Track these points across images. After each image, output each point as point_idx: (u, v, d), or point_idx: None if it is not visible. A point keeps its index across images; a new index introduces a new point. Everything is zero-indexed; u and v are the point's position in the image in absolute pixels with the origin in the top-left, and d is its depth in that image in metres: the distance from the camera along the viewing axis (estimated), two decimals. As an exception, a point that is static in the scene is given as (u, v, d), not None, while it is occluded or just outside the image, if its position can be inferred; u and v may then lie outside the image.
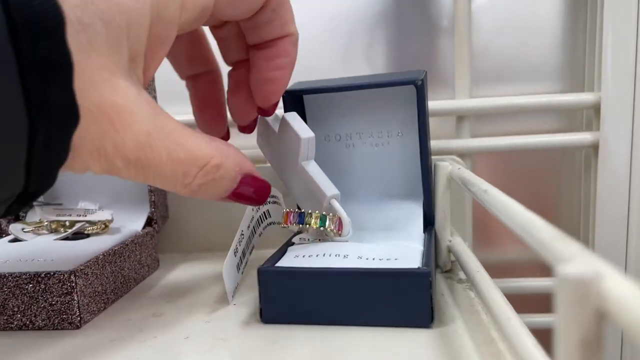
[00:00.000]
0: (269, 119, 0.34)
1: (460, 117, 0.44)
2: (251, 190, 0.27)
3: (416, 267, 0.28)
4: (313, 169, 0.33)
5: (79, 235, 0.37)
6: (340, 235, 0.32)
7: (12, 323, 0.30)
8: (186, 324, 0.29)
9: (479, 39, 0.46)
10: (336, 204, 0.32)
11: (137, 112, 0.21)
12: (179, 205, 0.45)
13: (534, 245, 0.18)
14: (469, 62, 0.43)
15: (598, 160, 0.42)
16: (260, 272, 0.28)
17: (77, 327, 0.30)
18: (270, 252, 0.32)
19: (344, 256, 0.29)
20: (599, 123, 0.42)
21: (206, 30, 0.32)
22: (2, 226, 0.40)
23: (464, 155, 0.43)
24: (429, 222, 0.36)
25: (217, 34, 0.31)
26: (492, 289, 0.26)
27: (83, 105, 0.19)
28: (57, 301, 0.29)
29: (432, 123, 0.47)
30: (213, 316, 0.30)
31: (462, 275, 0.35)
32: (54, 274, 0.29)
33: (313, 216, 0.32)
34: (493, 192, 0.25)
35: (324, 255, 0.30)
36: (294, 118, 0.32)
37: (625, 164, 0.42)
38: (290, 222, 0.32)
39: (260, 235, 0.36)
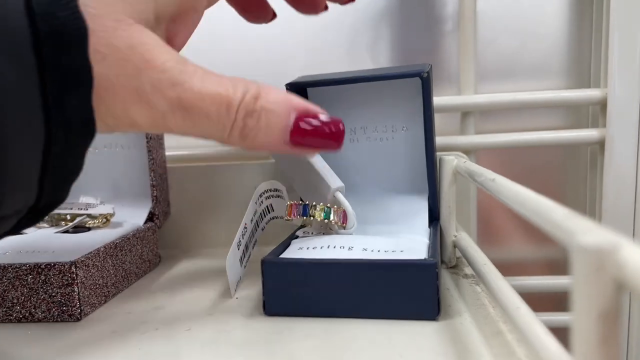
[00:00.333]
0: None
1: (465, 113, 0.43)
2: (319, 125, 0.24)
3: (422, 258, 0.27)
4: (318, 161, 0.33)
5: (80, 228, 0.36)
6: (344, 227, 0.32)
7: (11, 315, 0.29)
8: (188, 317, 0.29)
9: (484, 34, 0.45)
10: (341, 197, 0.32)
11: (167, 52, 0.21)
12: (180, 201, 0.44)
13: (546, 225, 0.17)
14: (474, 57, 0.43)
15: (604, 157, 0.42)
16: (264, 262, 0.28)
17: (78, 320, 0.29)
18: (273, 247, 0.31)
19: (349, 248, 0.29)
20: (605, 120, 0.41)
21: None
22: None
23: (468, 151, 0.43)
24: (434, 217, 0.35)
25: None
26: (499, 281, 0.26)
27: (113, 44, 0.19)
28: (57, 293, 0.29)
29: (437, 119, 0.47)
30: (215, 309, 0.30)
31: (467, 270, 0.35)
32: (55, 265, 0.29)
33: (317, 208, 0.31)
34: (501, 181, 0.25)
35: (328, 247, 0.29)
36: None
37: (632, 160, 0.41)
38: (294, 215, 0.31)
39: (263, 229, 0.35)
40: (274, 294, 0.28)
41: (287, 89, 0.35)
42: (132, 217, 0.39)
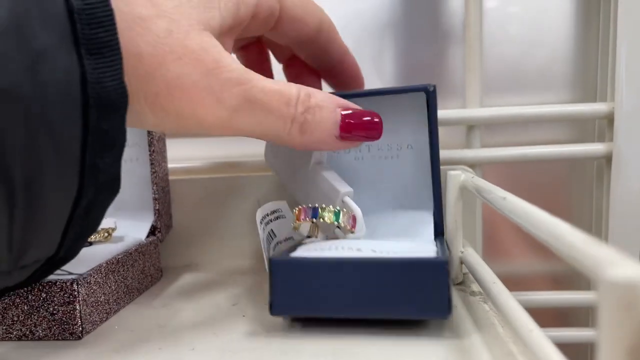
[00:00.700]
0: None
1: (471, 127, 0.43)
2: (362, 118, 0.28)
3: (433, 256, 0.27)
4: (326, 169, 0.33)
5: (81, 243, 0.36)
6: (353, 232, 0.31)
7: (11, 333, 0.29)
8: (192, 335, 0.28)
9: (490, 47, 0.45)
10: (350, 201, 0.32)
11: (229, 56, 0.24)
12: (182, 214, 0.44)
13: (564, 251, 0.17)
14: (479, 71, 0.42)
15: (611, 172, 0.41)
16: (272, 261, 0.27)
17: (79, 338, 0.29)
18: None
19: (357, 249, 0.28)
20: (612, 133, 0.41)
21: None
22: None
23: (474, 165, 0.43)
24: (439, 232, 0.35)
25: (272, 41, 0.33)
26: (510, 301, 0.25)
27: (187, 45, 0.22)
28: (58, 310, 0.28)
29: (442, 133, 0.46)
30: (220, 327, 0.29)
31: (474, 287, 0.34)
32: (56, 282, 0.28)
33: (327, 210, 0.30)
34: (512, 200, 0.25)
35: (337, 248, 0.29)
36: None
37: (639, 175, 0.41)
38: (304, 218, 0.31)
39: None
40: (282, 293, 0.27)
41: None
42: (134, 230, 0.38)
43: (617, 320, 0.12)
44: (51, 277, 0.28)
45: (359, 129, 0.28)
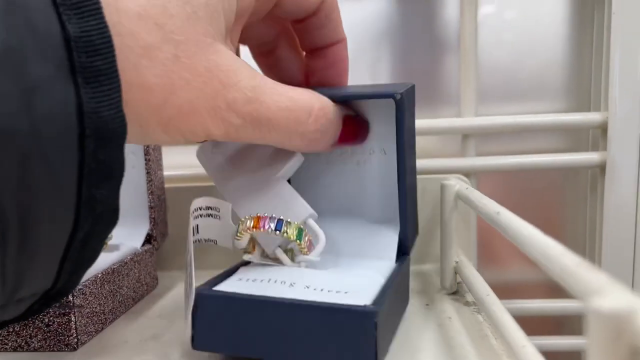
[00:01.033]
0: None
1: (466, 136, 0.43)
2: (353, 130, 0.29)
3: (362, 304, 0.24)
4: (284, 186, 0.30)
5: (76, 252, 0.36)
6: (307, 255, 0.29)
7: (6, 344, 0.29)
8: (187, 346, 0.28)
9: (485, 55, 0.45)
10: (314, 224, 0.29)
11: (240, 71, 0.23)
12: (178, 222, 0.44)
13: (555, 273, 0.17)
14: (474, 80, 0.43)
15: (605, 181, 0.42)
16: (198, 295, 0.25)
17: (74, 349, 0.29)
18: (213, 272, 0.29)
19: (290, 284, 0.26)
20: (606, 142, 0.41)
21: None
22: None
23: (469, 173, 0.43)
24: (404, 252, 0.32)
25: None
26: (503, 314, 0.25)
27: (196, 68, 0.22)
28: (53, 321, 0.28)
29: (438, 141, 0.47)
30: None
31: (468, 297, 0.34)
32: (51, 293, 0.28)
33: (292, 226, 0.28)
34: (506, 215, 0.25)
35: (269, 280, 0.27)
36: None
37: (633, 185, 0.41)
38: (263, 228, 0.28)
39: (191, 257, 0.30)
40: (204, 328, 0.25)
41: None
42: (130, 239, 0.38)
43: (605, 349, 0.12)
44: (46, 288, 0.28)
45: (352, 138, 0.29)
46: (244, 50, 0.32)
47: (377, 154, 0.33)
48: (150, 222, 0.39)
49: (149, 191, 0.38)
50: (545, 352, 0.21)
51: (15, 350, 0.29)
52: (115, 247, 0.37)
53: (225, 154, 0.31)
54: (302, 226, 0.28)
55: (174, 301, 0.36)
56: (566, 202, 0.47)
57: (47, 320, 0.28)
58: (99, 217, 0.20)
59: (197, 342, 0.25)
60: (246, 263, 0.30)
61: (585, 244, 0.46)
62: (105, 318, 0.32)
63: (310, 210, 0.29)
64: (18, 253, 0.17)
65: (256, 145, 0.30)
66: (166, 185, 0.42)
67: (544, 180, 0.47)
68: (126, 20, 0.20)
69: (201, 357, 0.27)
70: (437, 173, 0.42)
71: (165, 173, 0.43)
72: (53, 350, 0.29)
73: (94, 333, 0.30)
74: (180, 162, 0.47)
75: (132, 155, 0.41)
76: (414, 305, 0.33)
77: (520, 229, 0.22)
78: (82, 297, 0.29)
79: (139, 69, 0.20)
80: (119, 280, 0.34)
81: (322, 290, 0.26)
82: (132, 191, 0.41)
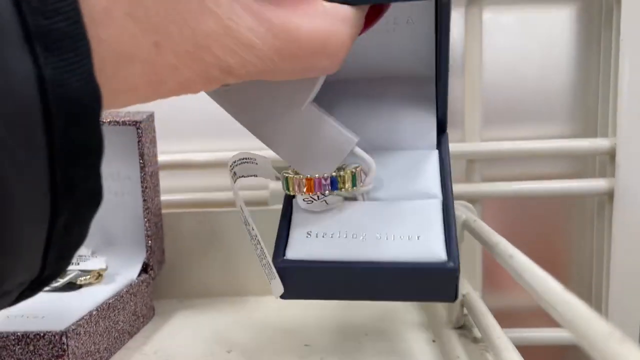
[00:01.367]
0: None
1: (471, 161, 0.42)
2: (374, 16, 0.25)
3: (441, 259, 0.25)
4: (323, 114, 0.26)
5: (71, 285, 0.34)
6: (362, 186, 0.28)
7: (-3, 387, 0.27)
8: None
9: (489, 79, 0.44)
10: (361, 152, 0.27)
11: (240, 17, 0.19)
12: (175, 248, 0.43)
13: (583, 342, 0.16)
14: (480, 104, 0.42)
15: (613, 208, 0.41)
16: (278, 269, 0.26)
17: (68, 393, 0.27)
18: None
19: (363, 238, 0.27)
20: (614, 169, 0.40)
21: None
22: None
23: (474, 200, 0.42)
24: (442, 129, 0.31)
25: None
26: (513, 355, 0.24)
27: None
28: (46, 365, 0.27)
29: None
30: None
31: (476, 332, 0.33)
32: (44, 335, 0.27)
33: (345, 177, 0.27)
34: (520, 259, 0.24)
35: (339, 235, 0.27)
36: None
37: (642, 212, 0.40)
38: (317, 191, 0.26)
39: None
40: (292, 287, 0.26)
41: None
42: (126, 268, 0.37)
43: None
44: (40, 328, 0.27)
45: (374, 21, 0.25)
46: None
47: (402, 24, 0.30)
48: (147, 251, 0.38)
49: (146, 219, 0.37)
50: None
51: (6, 393, 0.27)
52: (111, 279, 0.36)
53: (238, 91, 0.27)
54: (353, 169, 0.27)
55: (170, 335, 0.35)
56: (571, 229, 0.46)
57: (39, 362, 0.27)
58: (80, 201, 0.18)
59: (286, 296, 0.26)
60: (292, 197, 0.29)
61: (592, 272, 0.45)
62: (101, 356, 0.31)
63: (354, 139, 0.27)
64: None
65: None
66: (163, 211, 0.41)
67: (549, 205, 0.46)
68: None
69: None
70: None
71: (163, 198, 0.42)
72: (46, 394, 0.27)
73: (88, 374, 0.29)
74: (177, 187, 0.46)
75: (127, 180, 0.40)
76: (420, 341, 0.32)
77: (537, 279, 0.21)
78: (76, 338, 0.28)
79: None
80: (114, 316, 0.32)
81: (394, 238, 0.26)
82: (128, 218, 0.40)
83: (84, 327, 0.29)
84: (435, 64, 0.30)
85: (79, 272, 0.35)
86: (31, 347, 0.27)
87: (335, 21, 0.23)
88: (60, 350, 0.27)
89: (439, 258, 0.25)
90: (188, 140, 0.47)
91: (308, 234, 0.27)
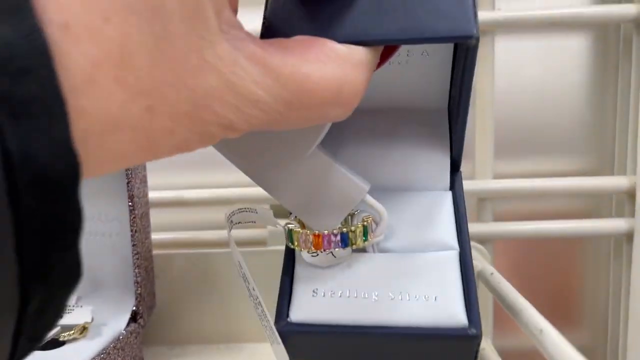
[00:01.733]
0: None
1: (482, 199, 0.40)
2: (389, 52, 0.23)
3: (461, 325, 0.23)
4: (329, 155, 0.24)
5: (54, 341, 0.32)
6: (373, 239, 0.25)
7: None
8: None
9: (502, 111, 0.42)
10: (372, 201, 0.25)
11: (245, 69, 0.17)
12: (166, 292, 0.40)
13: None
14: (492, 137, 0.39)
15: (633, 250, 0.38)
16: (281, 333, 0.24)
17: None
18: None
19: (375, 299, 0.24)
20: (634, 208, 0.38)
21: None
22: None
23: (485, 241, 0.39)
24: (455, 168, 0.29)
25: None
26: None
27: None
28: None
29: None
30: None
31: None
32: (20, 410, 0.24)
33: (357, 229, 0.24)
34: (551, 335, 0.21)
35: (348, 295, 0.24)
36: None
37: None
38: (327, 247, 0.24)
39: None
40: (297, 351, 0.25)
41: None
42: (113, 318, 0.34)
43: None
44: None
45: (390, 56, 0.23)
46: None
47: (416, 55, 0.28)
48: (136, 299, 0.35)
49: (135, 265, 0.35)
50: None
51: None
52: (96, 332, 0.33)
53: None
54: (364, 222, 0.25)
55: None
56: (586, 270, 0.44)
57: None
58: (56, 281, 0.15)
59: (293, 357, 0.25)
60: (292, 251, 0.26)
61: (608, 316, 0.43)
62: None
63: (366, 188, 0.25)
64: None
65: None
66: (154, 252, 0.38)
67: (563, 245, 0.44)
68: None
69: None
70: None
71: (153, 236, 0.39)
72: None
73: None
74: (170, 223, 0.43)
75: (116, 222, 0.37)
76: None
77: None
78: (56, 412, 0.25)
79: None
80: (100, 377, 0.30)
81: (408, 298, 0.24)
82: (116, 260, 0.37)
83: (65, 397, 0.26)
84: (449, 98, 0.29)
85: (62, 327, 0.32)
86: None
87: (348, 66, 0.20)
88: None
89: (460, 323, 0.23)
90: (180, 173, 0.44)
91: (314, 292, 0.25)
